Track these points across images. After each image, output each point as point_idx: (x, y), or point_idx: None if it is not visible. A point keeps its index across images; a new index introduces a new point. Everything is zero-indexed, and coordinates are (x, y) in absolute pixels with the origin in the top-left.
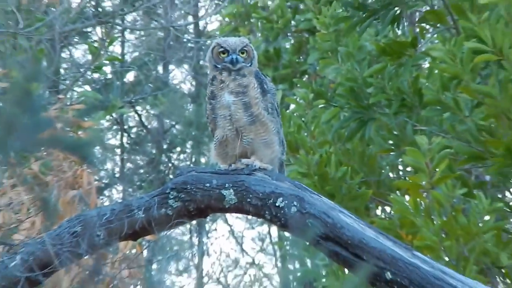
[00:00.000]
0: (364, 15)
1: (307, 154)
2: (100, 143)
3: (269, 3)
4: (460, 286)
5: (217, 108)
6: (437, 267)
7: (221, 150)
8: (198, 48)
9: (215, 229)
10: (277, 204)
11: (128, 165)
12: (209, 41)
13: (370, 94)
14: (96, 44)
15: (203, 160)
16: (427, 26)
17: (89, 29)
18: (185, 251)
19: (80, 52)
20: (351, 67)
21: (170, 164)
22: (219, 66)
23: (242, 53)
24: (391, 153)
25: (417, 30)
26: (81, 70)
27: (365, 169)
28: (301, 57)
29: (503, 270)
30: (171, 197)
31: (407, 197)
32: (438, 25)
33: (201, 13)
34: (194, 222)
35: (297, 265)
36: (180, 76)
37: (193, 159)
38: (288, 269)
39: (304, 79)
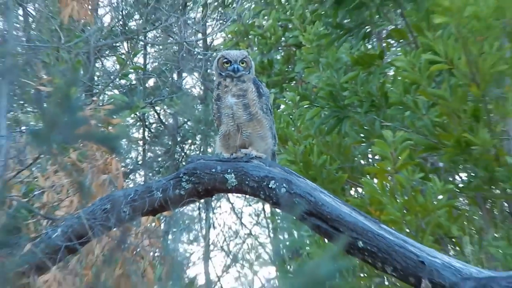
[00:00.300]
0: (341, 33)
1: (294, 145)
2: (126, 136)
3: (264, 22)
4: (419, 253)
5: (221, 108)
6: (400, 237)
7: (225, 142)
8: (206, 59)
9: (219, 206)
10: (270, 186)
11: (149, 154)
12: (215, 54)
13: (345, 97)
14: (123, 56)
15: (209, 150)
16: (392, 41)
17: (117, 44)
18: (195, 224)
19: (110, 63)
20: (330, 75)
21: (183, 154)
22: (223, 73)
23: (242, 63)
24: (362, 144)
25: (384, 44)
26: (111, 77)
27: (341, 158)
28: (289, 67)
29: (453, 240)
30: (184, 180)
31: (375, 180)
32: (401, 40)
33: (209, 31)
34: (202, 200)
35: (286, 236)
36: (191, 82)
37: (202, 149)
38: (279, 239)
39: (292, 84)
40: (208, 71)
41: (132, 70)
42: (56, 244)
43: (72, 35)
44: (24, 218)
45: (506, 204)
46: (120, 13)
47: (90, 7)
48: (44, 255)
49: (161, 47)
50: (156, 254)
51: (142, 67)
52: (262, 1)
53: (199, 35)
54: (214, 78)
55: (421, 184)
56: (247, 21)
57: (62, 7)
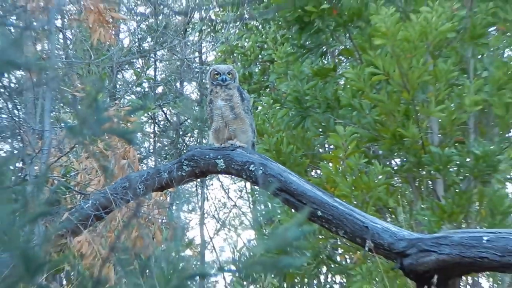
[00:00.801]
0: (303, 52)
1: (269, 137)
2: (140, 131)
3: (245, 44)
4: (364, 220)
5: (213, 109)
6: (349, 207)
7: (216, 135)
8: (201, 72)
9: (212, 184)
10: (250, 169)
11: (158, 144)
12: (208, 67)
13: (307, 100)
14: (138, 69)
15: (204, 141)
16: (342, 58)
17: (134, 60)
18: (193, 198)
19: (128, 74)
20: (295, 84)
21: (184, 144)
22: (214, 83)
23: (229, 74)
24: (321, 137)
25: (336, 60)
26: (129, 85)
27: (304, 147)
28: (265, 77)
29: (390, 210)
30: (185, 164)
31: (330, 164)
32: (349, 57)
33: (203, 50)
34: (199, 180)
35: (263, 207)
36: (190, 89)
37: (198, 141)
38: (257, 209)
39: (266, 91)
40: (203, 81)
41: (145, 80)
42: (87, 213)
43: (100, 53)
44: (62, 193)
45: (430, 182)
46: (136, 37)
47: (113, 32)
48: (78, 221)
49: (167, 62)
50: (163, 221)
51: (153, 78)
52: (244, 27)
53: (196, 53)
54: (208, 86)
55: (365, 167)
56: (233, 42)
57: (92, 32)
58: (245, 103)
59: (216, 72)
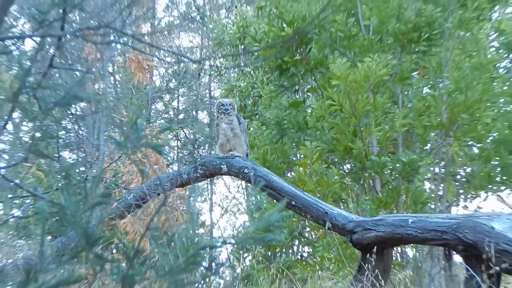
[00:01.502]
0: (282, 89)
1: (258, 149)
2: (167, 145)
3: (242, 84)
4: (325, 207)
5: (219, 130)
6: (314, 199)
7: (221, 148)
8: (210, 103)
9: (218, 182)
10: (245, 171)
11: (180, 154)
12: (215, 100)
13: (285, 124)
14: (166, 102)
15: (212, 152)
16: (310, 94)
17: (163, 95)
18: (204, 192)
19: (159, 105)
20: (276, 112)
21: (198, 154)
22: (220, 111)
23: (230, 105)
24: (294, 149)
25: (305, 95)
26: (159, 113)
27: (282, 156)
28: (255, 108)
29: (343, 200)
30: (199, 169)
31: (301, 168)
32: (314, 93)
33: (212, 88)
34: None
35: (254, 198)
36: (202, 116)
37: (209, 152)
38: (250, 200)
39: (257, 116)
40: (212, 110)
41: (171, 109)
42: (130, 203)
43: (139, 91)
44: (112, 189)
45: (371, 181)
46: (164, 79)
47: (148, 75)
48: (123, 209)
49: (186, 97)
50: (183, 208)
51: (176, 108)
52: (241, 72)
53: (207, 91)
54: (215, 114)
55: (325, 170)
56: (233, 83)
57: (133, 76)
58: (241, 125)
59: (221, 104)
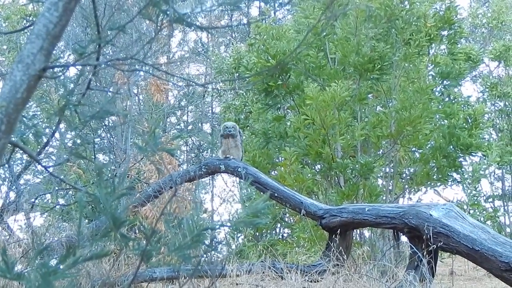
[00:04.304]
0: (267, 107)
1: (249, 153)
2: (178, 149)
3: (236, 102)
4: (300, 198)
5: (223, 141)
6: (292, 192)
7: (223, 153)
8: (213, 118)
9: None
10: (238, 170)
11: (188, 157)
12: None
13: (270, 133)
14: (178, 116)
15: (213, 155)
16: (289, 111)
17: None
18: (207, 185)
19: (173, 119)
20: (263, 124)
21: (202, 157)
22: (224, 133)
23: (233, 128)
24: (277, 153)
25: (286, 112)
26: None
27: (268, 159)
28: (247, 120)
29: (314, 193)
30: (203, 168)
31: (282, 168)
32: (293, 110)
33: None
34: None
35: (245, 191)
36: (206, 127)
37: (211, 155)
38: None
39: (248, 128)
40: (214, 123)
41: (182, 122)
42: (149, 194)
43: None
44: (136, 183)
45: (336, 178)
46: (177, 98)
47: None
48: (144, 198)
49: (193, 112)
50: (190, 198)
51: (186, 121)
52: (236, 93)
53: (210, 108)
54: (220, 134)
55: (301, 170)
56: (230, 102)
57: (153, 96)
58: (241, 138)
59: (225, 127)
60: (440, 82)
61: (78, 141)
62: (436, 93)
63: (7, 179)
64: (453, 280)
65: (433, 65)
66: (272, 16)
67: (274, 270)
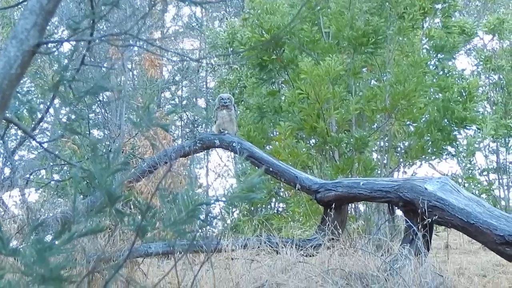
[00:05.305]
0: (262, 82)
1: (243, 128)
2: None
3: (231, 77)
4: (295, 173)
5: (218, 114)
6: (287, 166)
7: (217, 128)
8: (207, 92)
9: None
10: (233, 145)
11: (183, 132)
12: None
13: (264, 107)
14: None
15: (208, 130)
16: (283, 85)
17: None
18: (201, 160)
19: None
20: (258, 99)
21: (197, 131)
22: (220, 104)
23: (228, 99)
24: (272, 128)
25: (280, 86)
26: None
27: (262, 133)
28: (241, 95)
29: (310, 168)
30: (198, 143)
31: (277, 143)
32: (287, 84)
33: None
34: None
35: (240, 166)
36: (201, 102)
37: (206, 130)
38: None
39: (242, 102)
40: (208, 97)
41: (176, 97)
42: (144, 169)
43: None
44: (131, 158)
45: (331, 153)
46: (171, 73)
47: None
48: (139, 174)
49: (188, 87)
50: (185, 173)
51: (180, 96)
52: (230, 68)
53: (204, 83)
54: (216, 104)
55: (296, 144)
56: (224, 77)
57: (147, 71)
58: (235, 113)
59: (221, 98)
60: (434, 55)
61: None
62: (431, 66)
63: (1, 155)
64: (448, 254)
65: (427, 39)
66: None
67: (269, 245)
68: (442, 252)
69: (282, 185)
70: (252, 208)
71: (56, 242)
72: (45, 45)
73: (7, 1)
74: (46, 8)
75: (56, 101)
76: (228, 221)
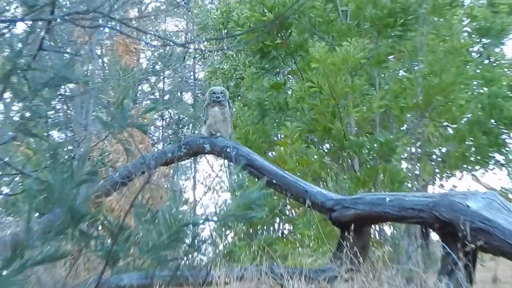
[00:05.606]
0: (263, 72)
1: (240, 129)
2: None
3: (225, 66)
4: (305, 186)
5: (209, 112)
6: (294, 177)
7: (208, 128)
8: (195, 85)
9: (201, 161)
10: (227, 150)
11: (165, 134)
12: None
13: (266, 105)
14: (152, 83)
15: (196, 132)
16: (290, 76)
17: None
18: (188, 170)
19: (145, 86)
20: (258, 93)
21: (182, 134)
22: (211, 99)
23: (221, 93)
24: (275, 129)
25: (286, 78)
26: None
27: (264, 136)
28: (238, 89)
29: (322, 179)
30: (183, 147)
31: (282, 148)
32: (295, 76)
33: (196, 70)
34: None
35: (236, 177)
36: (187, 97)
37: (192, 132)
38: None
39: (239, 98)
40: (195, 91)
41: (156, 91)
42: (116, 181)
43: (126, 72)
44: (99, 167)
45: (349, 160)
46: (151, 61)
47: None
48: (109, 186)
49: (172, 79)
50: (167, 186)
51: (162, 89)
52: (224, 55)
53: (191, 73)
54: (206, 99)
55: (305, 150)
56: (216, 66)
57: (121, 58)
58: (230, 110)
59: (212, 92)
60: (477, 40)
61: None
62: (473, 54)
63: None
64: None
65: (468, 19)
66: None
67: (272, 276)
68: (489, 286)
69: (288, 201)
70: (251, 230)
71: (5, 272)
72: None
73: None
74: None
75: (7, 94)
76: (221, 247)
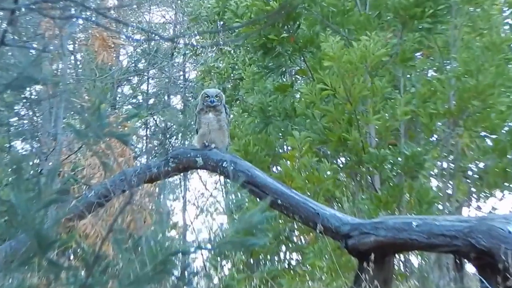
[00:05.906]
0: (267, 71)
1: (238, 140)
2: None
3: (220, 65)
4: (315, 207)
5: (202, 119)
6: (303, 197)
7: (201, 138)
8: (185, 86)
9: (192, 177)
10: (223, 165)
11: (149, 145)
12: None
13: (270, 110)
14: (134, 85)
15: (186, 143)
16: (298, 77)
17: (130, 78)
18: (176, 188)
19: (126, 89)
20: (260, 97)
21: (170, 145)
22: (205, 103)
23: (216, 97)
24: (280, 140)
25: (293, 78)
26: (126, 98)
27: (267, 148)
28: (235, 92)
29: (337, 199)
30: (170, 161)
31: (288, 162)
32: (304, 76)
33: (187, 69)
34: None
35: (233, 196)
36: (175, 101)
37: (182, 142)
38: (229, 198)
39: (237, 103)
40: (186, 94)
41: (139, 94)
42: (91, 201)
43: (103, 72)
44: (71, 184)
45: (369, 177)
46: (133, 59)
47: (114, 55)
48: (83, 207)
49: (157, 79)
50: (152, 207)
51: (146, 91)
52: (219, 52)
53: (181, 72)
54: (198, 103)
55: (316, 164)
56: (210, 64)
57: (97, 55)
58: (227, 117)
59: (206, 95)
60: None
61: None
62: None
63: None
64: None
65: (510, 10)
66: None
67: None
68: None
69: (296, 225)
70: (252, 260)
71: None
72: None
73: None
74: None
75: None
76: (216, 280)
